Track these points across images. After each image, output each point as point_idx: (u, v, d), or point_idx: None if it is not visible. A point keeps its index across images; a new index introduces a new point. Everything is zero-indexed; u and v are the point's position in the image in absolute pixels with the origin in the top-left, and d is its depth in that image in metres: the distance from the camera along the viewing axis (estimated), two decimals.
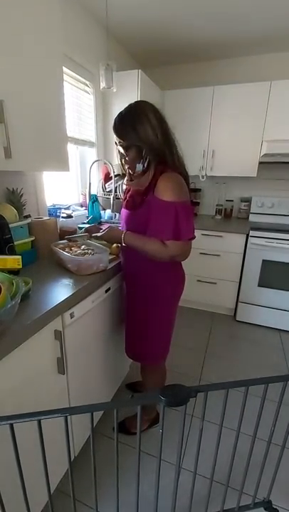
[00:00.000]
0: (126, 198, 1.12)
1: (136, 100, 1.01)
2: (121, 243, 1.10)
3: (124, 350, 1.31)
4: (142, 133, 0.92)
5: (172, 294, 1.15)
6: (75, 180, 2.07)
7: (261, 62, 2.36)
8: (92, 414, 0.69)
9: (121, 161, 1.06)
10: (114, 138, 1.00)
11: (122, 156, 1.02)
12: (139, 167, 0.97)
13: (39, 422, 0.66)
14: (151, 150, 0.95)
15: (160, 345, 1.21)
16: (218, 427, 0.82)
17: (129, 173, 1.05)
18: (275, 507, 1.03)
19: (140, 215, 1.03)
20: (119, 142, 0.98)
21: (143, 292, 1.13)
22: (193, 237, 1.01)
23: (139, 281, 1.13)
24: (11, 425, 0.64)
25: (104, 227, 1.32)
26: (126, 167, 1.04)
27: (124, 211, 1.12)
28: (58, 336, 0.89)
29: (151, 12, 1.77)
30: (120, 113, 0.96)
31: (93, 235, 1.19)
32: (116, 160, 2.04)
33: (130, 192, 1.07)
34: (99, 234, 1.17)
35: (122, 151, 0.99)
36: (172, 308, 1.17)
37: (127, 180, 1.10)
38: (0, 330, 0.64)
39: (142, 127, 0.92)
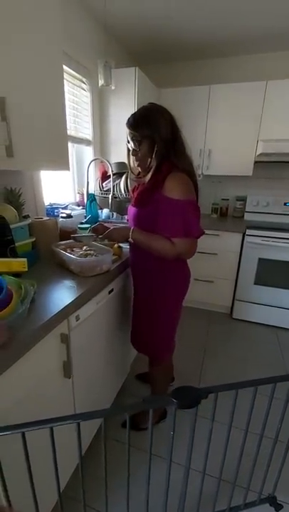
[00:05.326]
0: (134, 196, 1.12)
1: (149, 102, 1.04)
2: (128, 240, 1.11)
3: (132, 346, 1.36)
4: (156, 124, 0.96)
5: (179, 291, 1.18)
6: (72, 179, 2.03)
7: (258, 62, 2.37)
8: (104, 420, 0.68)
9: (129, 161, 1.08)
10: (126, 136, 1.02)
11: (133, 152, 1.03)
12: (153, 163, 1.00)
13: (51, 429, 0.64)
14: (162, 140, 0.97)
15: (166, 339, 1.25)
16: (227, 426, 0.83)
17: (139, 170, 1.07)
18: (279, 502, 1.05)
19: (148, 212, 1.04)
20: (132, 137, 1.00)
21: (151, 290, 1.15)
22: (203, 233, 1.02)
23: (148, 279, 1.15)
24: (23, 434, 0.63)
25: (110, 226, 1.32)
26: (136, 164, 1.06)
27: (131, 209, 1.14)
28: (65, 339, 0.88)
29: (148, 8, 1.75)
30: (135, 112, 1.01)
31: (100, 236, 1.19)
32: (113, 159, 2.05)
33: (138, 189, 1.08)
34: (104, 233, 1.18)
35: (134, 147, 1.01)
36: (178, 305, 1.21)
37: (135, 177, 1.12)
38: (10, 335, 0.62)
39: (155, 120, 0.96)
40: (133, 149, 1.03)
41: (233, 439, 0.95)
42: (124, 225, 1.23)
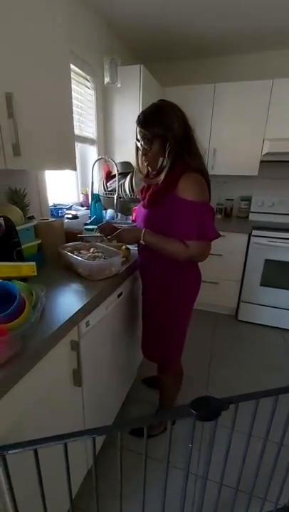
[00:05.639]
0: (145, 197, 1.08)
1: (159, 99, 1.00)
2: (139, 242, 1.07)
3: (142, 353, 1.31)
4: (168, 122, 0.92)
5: (190, 293, 1.16)
6: (75, 178, 1.99)
7: (263, 60, 2.33)
8: (121, 434, 0.65)
9: (137, 160, 1.04)
10: (136, 134, 0.98)
11: (144, 151, 0.99)
12: (166, 162, 0.96)
13: (65, 445, 0.60)
14: (175, 139, 0.93)
15: (176, 341, 1.21)
16: (246, 436, 0.79)
17: (148, 170, 1.03)
18: None
19: (161, 214, 1.00)
20: (143, 136, 0.96)
21: (162, 292, 1.11)
22: (218, 236, 0.99)
23: (159, 281, 1.11)
24: (35, 450, 0.59)
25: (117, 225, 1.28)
26: (146, 164, 1.02)
27: (141, 210, 1.10)
28: (75, 346, 0.84)
29: (153, 5, 1.71)
30: (145, 109, 0.97)
31: (108, 237, 1.15)
32: (117, 158, 2.01)
33: (150, 190, 1.04)
34: (114, 234, 1.13)
35: (145, 146, 0.97)
36: (189, 307, 1.18)
37: (145, 177, 1.08)
38: (22, 345, 0.58)
39: (167, 117, 0.92)
40: (143, 148, 0.99)
41: (250, 448, 0.91)
42: (131, 226, 1.18)
